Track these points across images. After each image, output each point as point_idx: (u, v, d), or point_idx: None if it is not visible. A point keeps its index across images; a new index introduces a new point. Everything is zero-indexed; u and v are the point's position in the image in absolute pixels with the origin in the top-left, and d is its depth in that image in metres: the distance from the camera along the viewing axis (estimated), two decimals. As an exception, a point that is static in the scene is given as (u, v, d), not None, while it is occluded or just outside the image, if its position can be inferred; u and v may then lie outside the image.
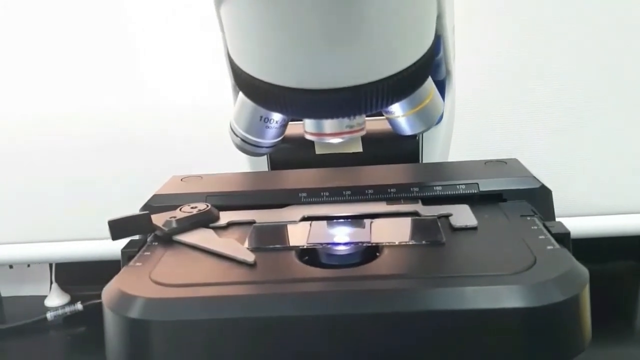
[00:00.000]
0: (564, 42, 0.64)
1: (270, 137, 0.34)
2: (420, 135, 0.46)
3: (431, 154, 0.46)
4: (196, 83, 0.70)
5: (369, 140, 0.45)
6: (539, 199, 0.36)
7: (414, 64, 0.27)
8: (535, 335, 0.25)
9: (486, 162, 0.41)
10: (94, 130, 0.73)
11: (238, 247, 0.31)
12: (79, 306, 0.77)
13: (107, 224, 0.33)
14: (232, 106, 0.42)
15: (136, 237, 0.34)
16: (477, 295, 0.25)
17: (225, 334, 0.26)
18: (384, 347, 0.25)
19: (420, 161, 0.46)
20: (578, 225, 0.65)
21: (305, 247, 0.31)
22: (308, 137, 0.31)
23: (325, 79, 0.26)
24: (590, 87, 0.65)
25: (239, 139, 0.35)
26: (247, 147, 0.35)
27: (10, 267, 0.82)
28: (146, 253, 0.32)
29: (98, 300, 0.80)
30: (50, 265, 0.81)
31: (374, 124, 0.47)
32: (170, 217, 0.34)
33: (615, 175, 0.69)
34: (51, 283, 0.81)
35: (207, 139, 0.70)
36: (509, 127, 0.65)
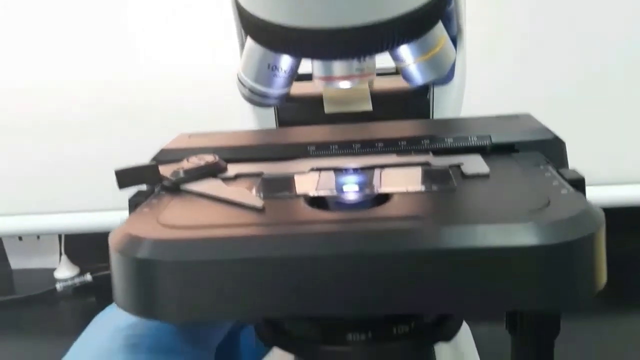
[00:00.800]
0: None
1: (278, 87, 0.34)
2: (431, 95, 0.45)
3: (442, 114, 0.46)
4: (199, 47, 0.69)
5: (378, 99, 0.44)
6: (552, 151, 0.35)
7: (427, 3, 0.27)
8: (549, 274, 0.25)
9: (498, 116, 0.40)
10: (102, 99, 0.72)
11: (247, 193, 0.31)
12: (88, 277, 0.77)
13: (113, 173, 0.33)
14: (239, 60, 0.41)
15: (143, 187, 0.34)
16: (489, 233, 0.25)
17: (236, 274, 0.25)
18: (395, 287, 0.25)
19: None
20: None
21: (314, 194, 0.31)
22: (317, 81, 0.31)
23: (334, 18, 0.25)
24: (611, 43, 0.63)
25: (247, 89, 0.34)
26: (255, 98, 0.34)
27: (20, 239, 0.82)
28: (153, 201, 0.32)
29: (108, 272, 0.81)
30: (60, 236, 0.81)
31: (384, 82, 0.46)
32: (178, 168, 0.34)
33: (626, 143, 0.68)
34: (60, 255, 0.81)
35: (213, 103, 0.69)
36: (522, 87, 0.64)
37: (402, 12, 0.26)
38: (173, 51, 0.71)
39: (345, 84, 0.30)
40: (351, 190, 0.31)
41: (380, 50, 0.28)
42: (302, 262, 0.25)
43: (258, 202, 0.29)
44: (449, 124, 0.40)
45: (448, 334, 0.32)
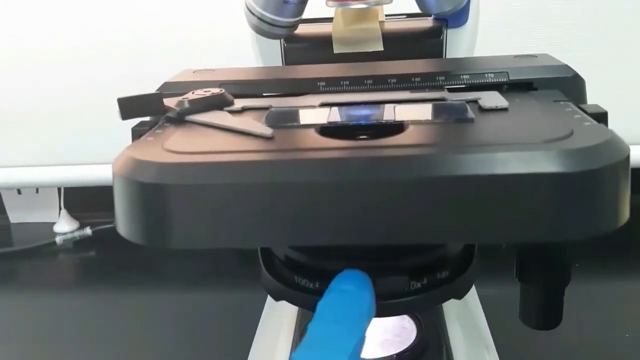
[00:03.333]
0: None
1: (288, 15, 0.32)
2: (444, 37, 0.43)
3: (455, 56, 0.44)
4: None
5: (390, 39, 0.43)
6: (572, 89, 0.34)
7: None
8: (571, 203, 0.24)
9: (515, 56, 0.39)
10: (104, 50, 0.71)
11: (254, 123, 0.30)
12: (88, 231, 0.76)
13: (116, 101, 0.31)
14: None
15: (146, 119, 0.33)
16: (510, 160, 0.24)
17: (244, 199, 0.24)
18: (411, 215, 0.24)
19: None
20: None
21: (325, 125, 0.29)
22: (331, 3, 0.29)
23: None
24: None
25: (256, 17, 0.33)
26: (264, 27, 0.33)
27: (19, 192, 0.81)
28: (158, 131, 0.30)
29: (108, 226, 0.79)
30: (59, 190, 0.80)
31: (396, 23, 0.44)
32: (183, 98, 0.32)
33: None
34: (60, 209, 0.80)
35: (220, 43, 0.67)
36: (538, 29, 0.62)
37: None
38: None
39: (360, 5, 0.29)
40: (363, 120, 0.30)
41: None
42: (310, 188, 0.24)
43: (267, 130, 0.28)
44: (464, 62, 0.39)
45: (460, 291, 0.32)
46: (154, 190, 0.25)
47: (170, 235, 0.25)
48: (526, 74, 0.34)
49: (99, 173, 0.75)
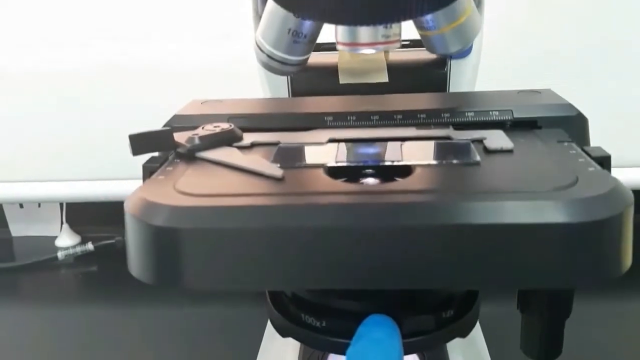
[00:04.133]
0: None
1: (298, 54, 0.33)
2: (449, 68, 0.44)
3: (459, 87, 0.45)
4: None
5: (395, 70, 0.43)
6: (575, 127, 0.34)
7: None
8: (576, 253, 0.24)
9: (519, 91, 0.39)
10: (105, 66, 0.71)
11: (264, 162, 0.30)
12: (90, 246, 0.77)
13: (127, 138, 0.32)
14: (253, 26, 0.40)
15: (156, 154, 0.33)
16: (517, 210, 0.24)
17: (256, 243, 0.25)
18: (419, 262, 0.24)
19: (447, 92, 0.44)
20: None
21: (334, 165, 0.30)
22: (340, 47, 0.30)
23: None
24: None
25: (265, 55, 0.33)
26: (274, 65, 0.33)
27: (21, 206, 0.81)
28: (168, 168, 0.31)
29: (109, 241, 0.80)
30: (61, 205, 0.80)
31: (401, 54, 0.45)
32: (193, 134, 0.33)
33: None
34: (62, 223, 0.81)
35: (226, 73, 0.68)
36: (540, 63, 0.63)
37: None
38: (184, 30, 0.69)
39: (369, 50, 0.29)
40: (370, 161, 0.30)
41: (407, 16, 0.27)
42: (322, 233, 0.25)
43: (277, 172, 0.29)
44: (469, 98, 0.39)
45: (464, 330, 0.32)
46: (166, 234, 0.25)
47: (181, 277, 0.26)
48: (530, 112, 0.35)
49: (100, 189, 0.76)
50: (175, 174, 0.30)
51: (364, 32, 0.29)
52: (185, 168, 0.31)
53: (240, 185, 0.28)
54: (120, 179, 0.72)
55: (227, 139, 0.34)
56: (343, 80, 0.43)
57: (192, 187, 0.28)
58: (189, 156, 0.32)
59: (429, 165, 0.29)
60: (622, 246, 0.25)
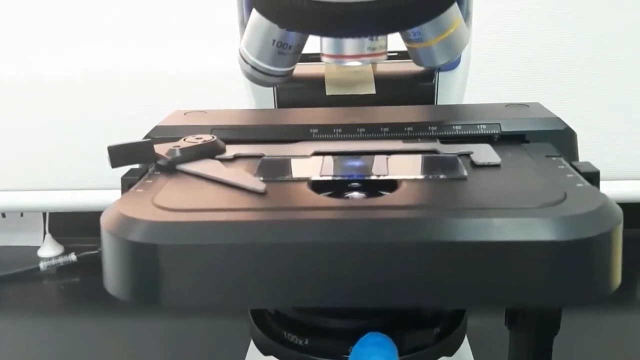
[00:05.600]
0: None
1: (283, 65, 0.32)
2: (436, 80, 0.44)
3: (446, 99, 0.44)
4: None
5: (382, 82, 0.43)
6: (563, 142, 0.34)
7: None
8: (565, 271, 0.24)
9: (507, 104, 0.39)
10: (92, 78, 0.70)
11: (247, 176, 0.29)
12: (72, 257, 0.75)
13: (106, 149, 0.31)
14: (239, 35, 0.39)
15: (136, 166, 0.33)
16: (506, 227, 0.24)
17: (235, 261, 0.24)
18: (403, 279, 0.24)
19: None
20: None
21: (318, 178, 0.29)
22: (325, 59, 0.29)
23: None
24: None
25: (249, 66, 0.32)
26: (258, 76, 0.33)
27: (3, 215, 0.80)
28: (148, 181, 0.30)
29: (93, 252, 0.78)
30: (44, 214, 0.79)
31: (388, 66, 0.45)
32: (174, 146, 0.32)
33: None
34: (45, 233, 0.79)
35: (212, 81, 0.67)
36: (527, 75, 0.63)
37: None
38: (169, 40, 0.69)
39: (355, 63, 0.29)
40: (356, 176, 0.30)
41: (393, 29, 0.27)
42: (304, 249, 0.24)
43: (259, 186, 0.28)
44: (456, 111, 0.39)
45: (451, 348, 0.31)
46: (143, 250, 0.24)
47: (159, 296, 0.25)
48: (518, 126, 0.35)
49: (84, 198, 0.74)
50: (154, 187, 0.29)
51: (350, 44, 0.28)
52: (165, 181, 0.30)
53: (221, 200, 0.28)
54: (105, 189, 0.71)
55: (209, 151, 0.33)
56: (330, 91, 0.42)
57: (171, 201, 0.27)
58: (170, 169, 0.31)
59: (415, 180, 0.29)
60: (612, 264, 0.25)
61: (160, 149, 0.32)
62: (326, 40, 0.29)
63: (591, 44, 0.64)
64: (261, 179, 0.29)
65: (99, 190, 0.73)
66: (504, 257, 0.23)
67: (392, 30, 0.27)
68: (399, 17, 0.25)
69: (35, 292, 0.73)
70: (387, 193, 0.29)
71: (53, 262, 0.75)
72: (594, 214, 0.24)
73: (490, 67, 0.64)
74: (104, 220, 0.26)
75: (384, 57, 0.29)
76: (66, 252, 0.77)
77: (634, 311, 0.63)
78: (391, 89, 0.42)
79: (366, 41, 0.28)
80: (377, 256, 0.24)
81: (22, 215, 0.80)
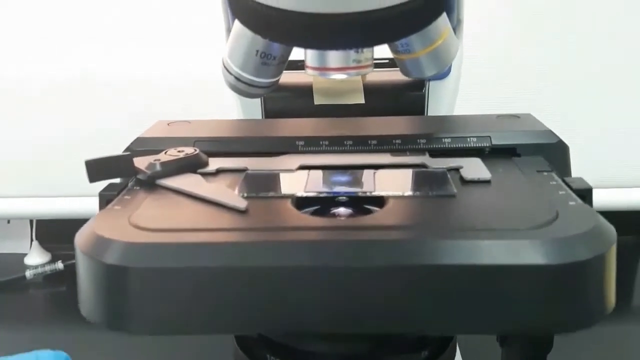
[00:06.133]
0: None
1: (267, 76, 0.31)
2: (427, 89, 0.43)
3: (437, 109, 0.43)
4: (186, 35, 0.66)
5: (371, 91, 0.42)
6: (555, 155, 0.33)
7: None
8: (557, 296, 0.23)
9: (498, 115, 0.38)
10: (78, 82, 0.69)
11: (228, 192, 0.28)
12: (59, 265, 0.74)
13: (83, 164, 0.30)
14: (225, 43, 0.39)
15: (116, 180, 0.31)
16: (494, 249, 0.23)
17: (214, 284, 0.23)
18: (387, 304, 0.23)
19: (425, 115, 0.43)
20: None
21: (302, 195, 0.28)
22: (310, 72, 0.28)
23: (332, 2, 0.23)
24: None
25: (233, 77, 0.31)
26: (241, 87, 0.32)
27: (-11, 222, 0.78)
28: (126, 197, 0.29)
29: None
30: (31, 221, 0.78)
31: (378, 75, 0.44)
32: (154, 160, 0.31)
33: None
34: (31, 240, 0.78)
35: (195, 91, 0.66)
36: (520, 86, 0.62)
37: None
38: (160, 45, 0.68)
39: (340, 76, 0.28)
40: (342, 193, 0.29)
41: (379, 41, 0.26)
42: (285, 272, 0.23)
43: (241, 203, 0.27)
44: (446, 122, 0.38)
45: None
46: (117, 272, 0.23)
47: (132, 321, 0.24)
48: (509, 139, 0.34)
49: (72, 205, 0.73)
50: (132, 203, 0.28)
51: (334, 57, 0.27)
52: (144, 197, 0.29)
53: (201, 218, 0.27)
54: (93, 196, 0.70)
55: (190, 165, 0.32)
56: (318, 101, 0.41)
57: (148, 220, 0.26)
58: (149, 183, 0.30)
59: (402, 197, 0.28)
60: (606, 287, 0.24)
61: (140, 162, 0.31)
62: (310, 52, 0.28)
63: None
64: (243, 195, 0.28)
65: (87, 197, 0.71)
66: (493, 282, 0.23)
67: (376, 43, 0.26)
68: (383, 29, 0.24)
69: (21, 302, 0.71)
70: (375, 207, 0.28)
71: (39, 270, 0.73)
72: (587, 235, 0.23)
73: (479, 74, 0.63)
74: (78, 240, 0.25)
75: (370, 69, 0.28)
76: (53, 260, 0.75)
77: (629, 321, 0.62)
78: (381, 99, 0.41)
79: (351, 53, 0.27)
80: (361, 280, 0.23)
81: (8, 222, 0.79)
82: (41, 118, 0.71)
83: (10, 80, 0.70)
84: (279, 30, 0.25)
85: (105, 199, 0.29)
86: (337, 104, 0.41)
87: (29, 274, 0.73)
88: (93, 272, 0.24)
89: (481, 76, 0.63)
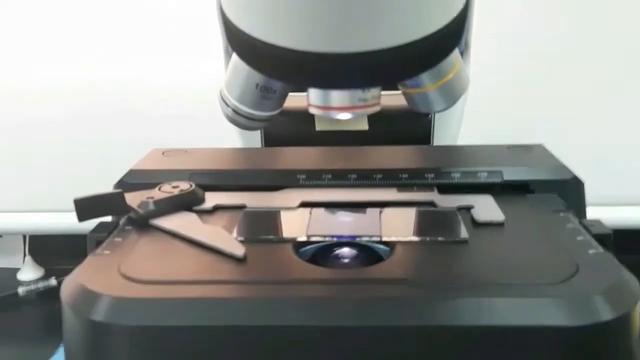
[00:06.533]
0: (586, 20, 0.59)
1: (266, 109, 0.30)
2: (432, 115, 0.41)
3: (444, 134, 0.42)
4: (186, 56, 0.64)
5: (375, 117, 0.40)
6: (570, 192, 0.31)
7: (446, 26, 0.22)
8: (579, 357, 0.21)
9: (509, 146, 0.36)
10: (73, 100, 0.67)
11: (225, 236, 0.27)
12: (53, 282, 0.72)
13: (73, 202, 0.28)
14: (224, 64, 0.37)
15: (107, 218, 0.30)
16: (510, 309, 0.21)
17: (207, 344, 0.21)
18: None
19: (431, 142, 0.41)
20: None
21: (304, 239, 0.27)
22: (313, 110, 0.26)
23: (339, 41, 0.21)
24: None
25: (230, 109, 0.30)
26: (240, 120, 0.30)
27: (-18, 237, 0.77)
28: (117, 239, 0.27)
29: (73, 276, 0.74)
30: (24, 236, 0.76)
31: (382, 99, 0.42)
32: (147, 198, 0.29)
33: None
34: (24, 255, 0.76)
35: (194, 113, 0.65)
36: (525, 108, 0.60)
37: (418, 36, 0.22)
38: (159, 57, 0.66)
39: (344, 116, 0.26)
40: (345, 237, 0.27)
41: (388, 81, 0.24)
42: (285, 332, 0.21)
43: (239, 250, 0.25)
44: (454, 154, 0.36)
45: None
46: (104, 330, 0.22)
47: None
48: (522, 175, 0.32)
49: (65, 221, 0.71)
50: (123, 248, 0.26)
51: (339, 96, 0.25)
52: (135, 240, 0.27)
53: (196, 268, 0.25)
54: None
55: (186, 202, 0.30)
56: (320, 127, 0.39)
57: (139, 269, 0.24)
58: (142, 223, 0.29)
59: (410, 243, 0.26)
60: (630, 348, 0.22)
61: (133, 199, 0.29)
62: (313, 90, 0.26)
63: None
64: (241, 239, 0.27)
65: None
66: (509, 344, 0.21)
67: (386, 82, 0.24)
68: (395, 68, 0.23)
69: (13, 319, 0.70)
70: (380, 246, 0.26)
71: (32, 287, 0.72)
72: (610, 292, 0.22)
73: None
74: (64, 292, 0.24)
75: (378, 107, 0.27)
76: (47, 275, 0.74)
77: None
78: (385, 125, 0.40)
79: (358, 92, 0.25)
80: (366, 341, 0.21)
81: (1, 236, 0.77)
82: (35, 133, 0.70)
83: (3, 92, 0.68)
84: (281, 69, 0.23)
85: (95, 240, 0.28)
86: (339, 130, 0.40)
87: (21, 290, 0.71)
88: (78, 329, 0.23)
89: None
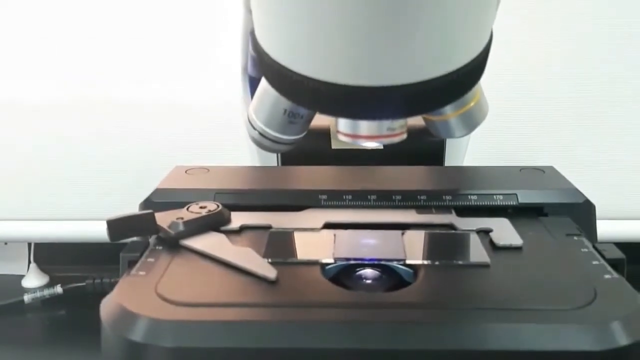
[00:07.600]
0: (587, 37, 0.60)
1: (292, 133, 0.31)
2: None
3: (455, 153, 0.43)
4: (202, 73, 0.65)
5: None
6: (581, 215, 0.33)
7: (474, 59, 0.24)
8: None
9: (522, 168, 0.37)
10: (78, 104, 0.68)
11: (256, 259, 0.28)
12: (58, 289, 0.72)
13: (105, 223, 0.29)
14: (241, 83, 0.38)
15: (136, 238, 0.31)
16: (536, 334, 0.22)
17: None
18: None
19: (443, 160, 0.42)
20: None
21: (331, 262, 0.28)
22: (342, 138, 0.27)
23: (369, 75, 0.22)
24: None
25: (257, 132, 0.31)
26: (265, 142, 0.31)
27: (-13, 244, 0.77)
28: (149, 259, 0.28)
29: (79, 284, 0.75)
30: (29, 244, 0.76)
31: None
32: (177, 218, 0.30)
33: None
34: (29, 263, 0.77)
35: (208, 129, 0.65)
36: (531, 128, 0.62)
37: (446, 70, 0.23)
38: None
39: (372, 144, 0.27)
40: (371, 260, 0.28)
41: (416, 113, 0.25)
42: (321, 355, 0.22)
43: (271, 272, 0.26)
44: (470, 175, 0.37)
45: None
46: (143, 350, 0.23)
47: None
48: (536, 198, 0.33)
49: (70, 229, 0.72)
50: (156, 268, 0.27)
51: (367, 125, 0.27)
52: (168, 260, 0.28)
53: (229, 290, 0.26)
54: (93, 220, 0.69)
55: (214, 223, 0.31)
56: (335, 145, 0.41)
57: (175, 290, 0.25)
58: (172, 244, 0.29)
59: (433, 266, 0.27)
60: None
61: (163, 219, 0.30)
62: (343, 119, 0.27)
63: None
64: (272, 259, 0.28)
65: (85, 221, 0.70)
66: None
67: (416, 114, 0.25)
68: (425, 100, 0.24)
69: (19, 326, 0.70)
70: (401, 266, 0.27)
71: (38, 294, 0.72)
72: (629, 318, 0.23)
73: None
74: (104, 312, 0.25)
75: (404, 136, 0.28)
76: (52, 283, 0.74)
77: None
78: (398, 144, 0.41)
79: (386, 122, 0.27)
80: None
81: (6, 243, 0.77)
82: (39, 140, 0.70)
83: (6, 98, 0.69)
84: (319, 101, 0.24)
85: (128, 260, 0.28)
86: (354, 148, 0.41)
87: (27, 298, 0.72)
88: (118, 350, 0.23)
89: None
